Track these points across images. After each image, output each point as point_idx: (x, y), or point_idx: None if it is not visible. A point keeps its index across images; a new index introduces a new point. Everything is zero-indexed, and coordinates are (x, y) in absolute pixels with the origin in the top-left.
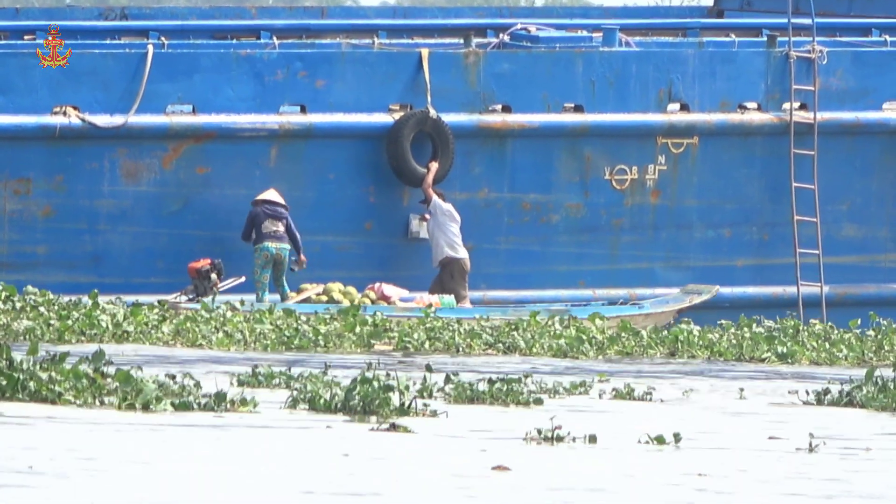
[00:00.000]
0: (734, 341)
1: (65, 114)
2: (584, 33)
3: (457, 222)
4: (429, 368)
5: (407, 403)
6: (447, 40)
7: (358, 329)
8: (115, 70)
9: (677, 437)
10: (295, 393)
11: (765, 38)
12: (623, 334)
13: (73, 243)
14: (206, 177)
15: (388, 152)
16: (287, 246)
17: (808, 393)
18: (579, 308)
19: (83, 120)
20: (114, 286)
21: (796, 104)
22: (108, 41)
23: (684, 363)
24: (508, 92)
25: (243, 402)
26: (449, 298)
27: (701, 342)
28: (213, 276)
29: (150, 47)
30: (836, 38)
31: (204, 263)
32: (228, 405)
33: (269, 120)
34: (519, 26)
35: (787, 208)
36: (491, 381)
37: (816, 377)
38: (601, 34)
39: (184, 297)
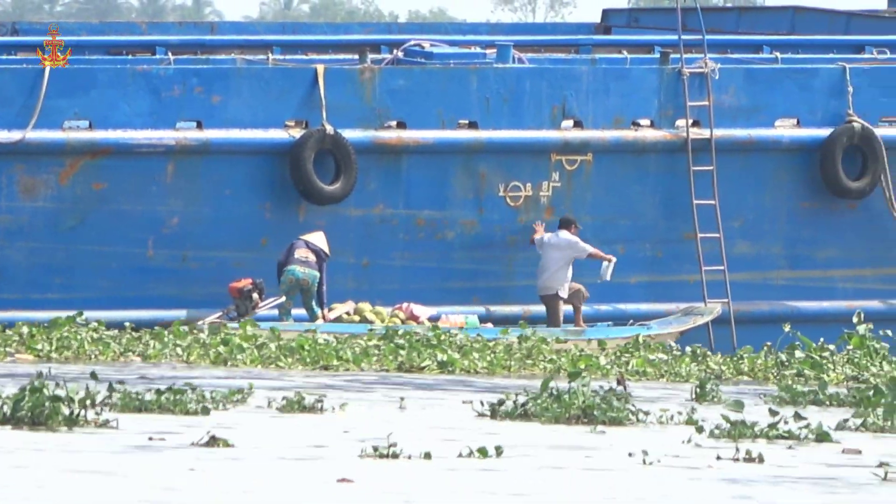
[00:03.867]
0: (355, 350)
1: None
2: (478, 50)
3: (558, 250)
4: (94, 376)
5: (76, 413)
6: (341, 56)
7: None
8: (12, 85)
9: (499, 450)
10: None
11: (657, 55)
12: (245, 344)
13: None
14: (103, 193)
15: (291, 173)
16: (315, 273)
17: (482, 404)
18: (592, 329)
19: None
20: (11, 302)
21: (690, 121)
22: (3, 56)
23: (352, 376)
24: (403, 108)
25: None
26: (473, 318)
27: (334, 352)
28: (255, 296)
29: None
30: (727, 55)
31: (245, 283)
32: None
33: (166, 136)
34: (413, 42)
35: (682, 225)
36: (159, 392)
37: (478, 387)
38: (495, 51)
39: (226, 318)
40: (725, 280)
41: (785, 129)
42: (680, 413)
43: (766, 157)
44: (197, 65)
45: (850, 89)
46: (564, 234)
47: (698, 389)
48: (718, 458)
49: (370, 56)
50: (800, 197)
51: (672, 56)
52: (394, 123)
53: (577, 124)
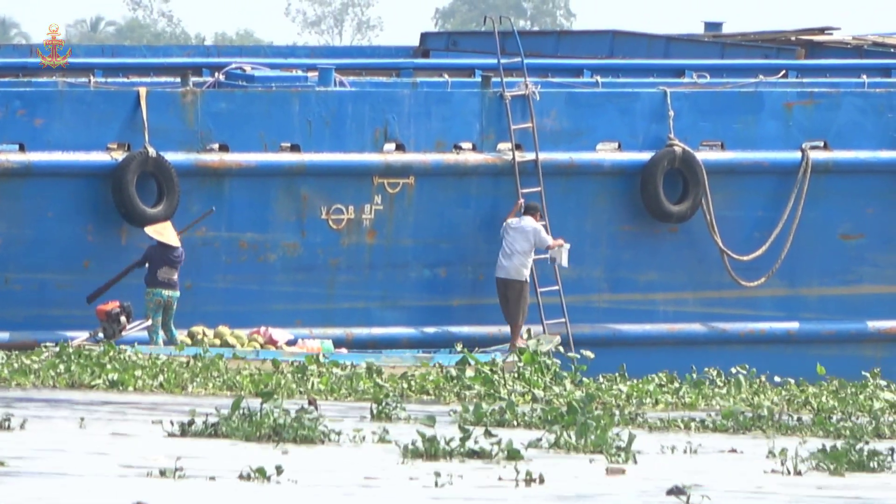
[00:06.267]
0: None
1: None
2: (300, 73)
3: (522, 234)
4: None
5: None
6: (163, 79)
7: None
8: None
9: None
10: None
11: (478, 79)
12: None
13: None
14: None
15: (114, 195)
16: (178, 293)
17: (172, 423)
18: (444, 355)
19: None
20: None
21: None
22: None
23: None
24: (226, 131)
25: None
26: (328, 344)
27: None
28: (123, 318)
29: None
30: (547, 78)
31: (114, 306)
32: None
33: None
34: (234, 66)
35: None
36: None
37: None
38: (316, 74)
39: (92, 340)
40: (561, 301)
41: (606, 153)
42: (374, 433)
43: (588, 181)
44: (19, 87)
45: (671, 113)
46: (529, 221)
47: (376, 407)
48: (500, 478)
49: (192, 79)
50: (621, 220)
51: (493, 80)
52: (216, 146)
53: (400, 147)
